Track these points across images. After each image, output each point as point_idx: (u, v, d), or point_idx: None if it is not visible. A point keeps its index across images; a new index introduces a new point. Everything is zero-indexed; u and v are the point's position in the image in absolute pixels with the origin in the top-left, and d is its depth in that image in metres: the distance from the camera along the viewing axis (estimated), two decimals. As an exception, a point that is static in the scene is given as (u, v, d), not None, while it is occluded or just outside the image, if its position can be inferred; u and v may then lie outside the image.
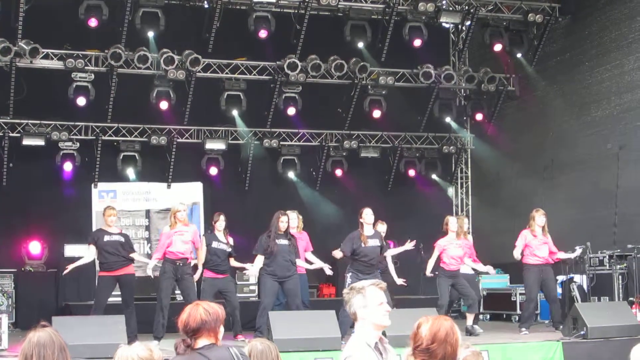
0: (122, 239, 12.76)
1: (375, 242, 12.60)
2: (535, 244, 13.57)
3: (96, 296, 12.89)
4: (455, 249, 13.57)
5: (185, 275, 12.57)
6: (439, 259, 13.60)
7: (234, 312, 12.87)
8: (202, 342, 4.73)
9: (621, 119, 16.47)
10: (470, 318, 13.51)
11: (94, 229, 17.81)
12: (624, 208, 15.94)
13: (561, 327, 13.15)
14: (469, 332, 13.10)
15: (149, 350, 4.72)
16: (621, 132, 16.44)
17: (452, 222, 13.77)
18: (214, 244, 12.95)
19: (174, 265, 12.48)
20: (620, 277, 14.43)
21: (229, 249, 13.07)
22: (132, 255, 12.82)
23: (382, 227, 13.98)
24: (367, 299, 5.08)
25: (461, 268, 13.88)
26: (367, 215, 12.62)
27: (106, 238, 12.62)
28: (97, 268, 13.27)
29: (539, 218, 13.63)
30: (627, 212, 15.89)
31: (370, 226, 12.71)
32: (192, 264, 12.84)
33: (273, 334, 10.90)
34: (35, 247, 17.13)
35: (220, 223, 13.08)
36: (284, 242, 12.51)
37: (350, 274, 12.45)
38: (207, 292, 12.78)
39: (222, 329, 4.81)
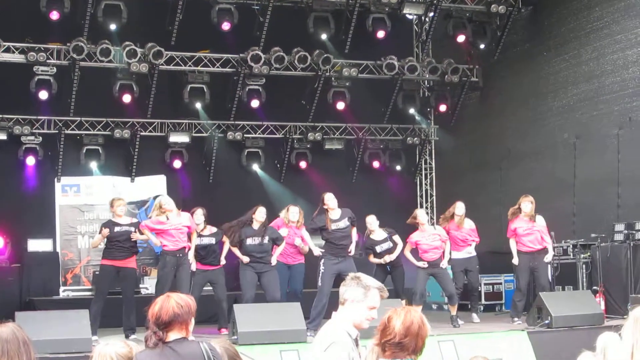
0: (133, 229, 12.60)
1: (344, 224, 12.73)
2: (522, 231, 13.45)
3: (97, 285, 12.62)
4: (428, 239, 13.62)
5: (185, 267, 12.49)
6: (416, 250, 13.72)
7: (220, 304, 12.98)
8: (173, 335, 4.64)
9: (578, 109, 16.59)
10: (452, 310, 13.55)
11: (57, 223, 17.78)
12: (582, 197, 16.11)
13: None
14: (453, 324, 13.26)
15: (128, 347, 4.70)
16: (578, 122, 16.55)
17: (420, 214, 13.86)
18: (197, 240, 12.96)
19: (174, 257, 12.41)
20: (584, 266, 14.55)
21: (213, 241, 13.11)
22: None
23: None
24: (367, 297, 4.94)
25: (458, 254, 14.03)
26: (330, 200, 12.74)
27: (117, 229, 12.47)
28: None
29: (525, 205, 13.41)
30: (584, 202, 16.06)
31: (336, 210, 12.79)
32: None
33: (238, 327, 10.94)
34: (-3, 241, 16.99)
35: (198, 217, 13.07)
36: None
37: (323, 259, 12.66)
38: (198, 284, 12.95)
39: (192, 322, 4.74)
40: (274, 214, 14.07)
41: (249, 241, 12.63)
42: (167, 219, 12.40)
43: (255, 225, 12.73)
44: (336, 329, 4.94)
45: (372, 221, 14.04)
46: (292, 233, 13.49)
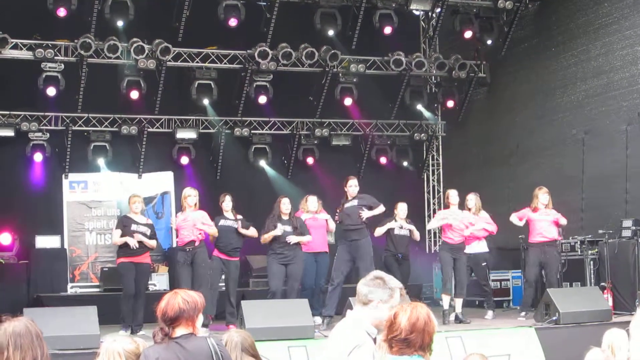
0: (148, 229, 12.69)
1: (354, 202, 13.34)
2: (537, 221, 13.52)
3: (124, 285, 12.54)
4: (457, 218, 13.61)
5: (198, 261, 12.59)
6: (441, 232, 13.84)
7: (229, 299, 12.93)
8: (179, 331, 4.71)
9: (586, 105, 16.54)
10: (457, 305, 13.43)
11: (65, 220, 17.79)
12: (590, 193, 16.08)
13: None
14: (458, 320, 13.19)
15: (135, 343, 4.71)
16: (586, 117, 16.50)
17: (452, 194, 13.86)
18: (221, 222, 13.02)
19: (184, 252, 12.57)
20: (591, 262, 14.51)
21: (236, 225, 13.08)
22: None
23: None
24: (392, 298, 4.83)
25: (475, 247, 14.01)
26: (351, 186, 13.46)
27: (133, 226, 12.53)
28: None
29: (543, 196, 13.52)
30: (592, 198, 16.03)
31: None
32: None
33: (246, 323, 10.93)
34: (5, 238, 16.97)
35: (227, 203, 13.16)
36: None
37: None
38: (216, 270, 13.00)
39: (201, 318, 4.79)
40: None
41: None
42: (183, 213, 12.65)
43: (284, 216, 13.07)
44: (357, 330, 4.79)
45: (403, 209, 14.36)
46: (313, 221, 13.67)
